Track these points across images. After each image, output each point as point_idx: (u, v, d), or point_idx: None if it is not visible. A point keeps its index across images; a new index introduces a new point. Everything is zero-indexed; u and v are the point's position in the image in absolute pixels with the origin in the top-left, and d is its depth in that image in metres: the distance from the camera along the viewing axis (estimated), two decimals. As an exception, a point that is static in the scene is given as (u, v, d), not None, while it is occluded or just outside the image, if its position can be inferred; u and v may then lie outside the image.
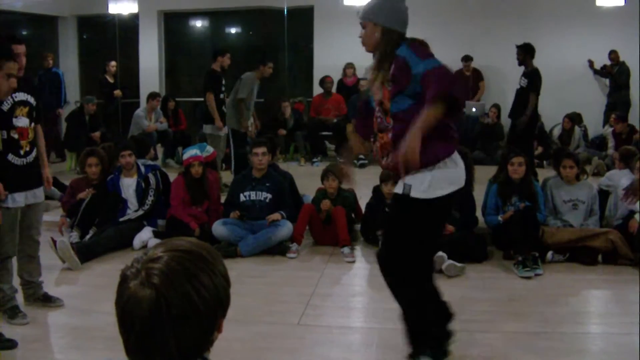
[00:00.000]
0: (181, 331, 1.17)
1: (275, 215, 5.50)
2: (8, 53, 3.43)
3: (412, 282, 3.09)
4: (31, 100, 3.83)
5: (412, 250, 3.04)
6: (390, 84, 2.96)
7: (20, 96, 3.75)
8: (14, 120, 3.70)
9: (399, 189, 3.02)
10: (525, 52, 7.37)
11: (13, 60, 3.45)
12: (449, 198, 3.00)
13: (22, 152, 3.76)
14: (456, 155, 3.03)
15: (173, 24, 12.66)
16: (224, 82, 7.72)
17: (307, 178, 7.40)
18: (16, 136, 3.72)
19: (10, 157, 3.71)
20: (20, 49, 3.75)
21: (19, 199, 3.78)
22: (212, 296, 1.21)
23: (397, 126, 2.96)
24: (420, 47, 2.91)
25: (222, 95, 7.65)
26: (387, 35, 2.95)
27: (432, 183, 2.94)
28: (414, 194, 2.95)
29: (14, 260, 3.94)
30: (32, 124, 3.84)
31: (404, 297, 3.12)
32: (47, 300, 4.16)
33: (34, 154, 3.88)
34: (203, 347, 1.24)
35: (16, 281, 4.08)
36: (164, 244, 1.25)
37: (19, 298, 4.08)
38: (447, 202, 3.03)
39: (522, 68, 7.58)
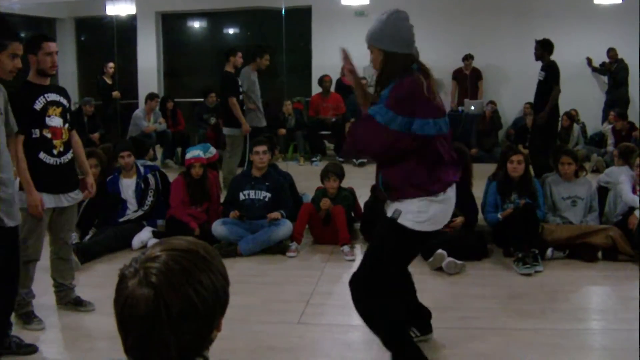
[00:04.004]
0: (180, 330, 1.17)
1: (275, 214, 5.50)
2: (13, 34, 3.42)
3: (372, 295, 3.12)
4: (64, 101, 3.83)
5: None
6: None
7: (53, 96, 3.75)
8: (47, 119, 3.70)
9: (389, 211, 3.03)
10: (544, 48, 7.44)
11: (19, 41, 3.41)
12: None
13: (55, 152, 3.76)
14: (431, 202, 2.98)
15: (171, 25, 12.65)
16: (240, 82, 7.59)
17: (307, 177, 7.39)
18: (49, 135, 3.71)
19: (42, 155, 3.71)
20: (53, 46, 3.71)
21: (48, 200, 3.75)
22: (211, 295, 1.20)
23: None
24: (400, 92, 2.88)
25: (241, 97, 7.52)
26: (391, 59, 2.97)
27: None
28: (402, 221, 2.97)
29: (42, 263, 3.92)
30: (67, 125, 3.83)
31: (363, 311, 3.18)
32: (79, 304, 4.16)
33: (69, 155, 3.87)
34: (202, 346, 1.24)
35: (49, 283, 4.12)
36: (162, 244, 1.25)
37: (52, 300, 4.11)
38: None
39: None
